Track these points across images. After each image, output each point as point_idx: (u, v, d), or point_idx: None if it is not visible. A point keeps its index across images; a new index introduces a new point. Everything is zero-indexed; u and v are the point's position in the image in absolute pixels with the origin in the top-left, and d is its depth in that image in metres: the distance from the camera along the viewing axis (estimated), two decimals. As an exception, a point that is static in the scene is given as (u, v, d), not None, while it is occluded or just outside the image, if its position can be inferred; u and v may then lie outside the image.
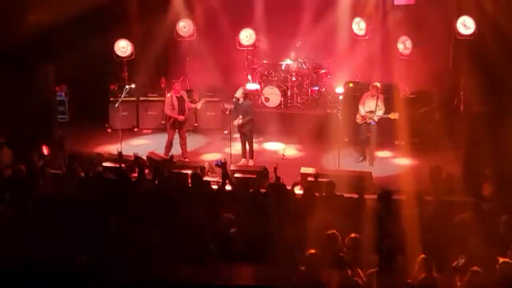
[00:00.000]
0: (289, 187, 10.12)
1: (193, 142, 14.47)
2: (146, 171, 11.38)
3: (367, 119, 13.14)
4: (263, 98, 15.57)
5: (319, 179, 10.63)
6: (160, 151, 13.23)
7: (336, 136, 13.27)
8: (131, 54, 15.76)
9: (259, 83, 16.04)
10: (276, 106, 15.58)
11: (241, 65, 16.35)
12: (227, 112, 13.43)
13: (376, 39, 15.04)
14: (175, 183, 10.63)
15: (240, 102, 13.12)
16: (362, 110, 13.19)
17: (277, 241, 7.88)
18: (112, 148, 14.15)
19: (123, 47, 15.71)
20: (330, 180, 10.12)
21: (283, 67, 16.03)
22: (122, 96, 14.42)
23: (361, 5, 15.39)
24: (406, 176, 12.30)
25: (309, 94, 16.04)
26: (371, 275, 7.09)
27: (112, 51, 15.61)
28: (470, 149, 11.66)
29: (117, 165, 11.72)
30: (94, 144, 14.56)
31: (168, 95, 13.78)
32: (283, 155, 13.88)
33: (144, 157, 12.54)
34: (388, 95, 13.52)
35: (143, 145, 14.45)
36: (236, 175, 11.63)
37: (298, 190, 10.55)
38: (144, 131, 15.75)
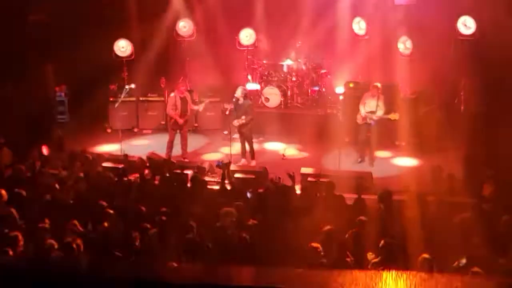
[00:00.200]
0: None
1: (193, 142, 14.45)
2: (146, 171, 11.38)
3: (367, 120, 13.12)
4: (263, 98, 15.54)
5: (319, 179, 10.62)
6: (160, 151, 13.21)
7: (336, 136, 13.26)
8: (131, 54, 15.74)
9: (259, 83, 16.02)
10: (276, 106, 15.54)
11: (241, 65, 16.32)
12: (227, 112, 13.40)
13: (376, 39, 15.02)
14: (175, 183, 10.63)
15: (240, 102, 13.09)
16: (363, 110, 13.17)
17: (277, 241, 7.89)
18: (112, 148, 14.18)
19: (122, 47, 15.69)
20: (330, 180, 10.12)
21: (284, 68, 15.98)
22: (122, 96, 14.40)
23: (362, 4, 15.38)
24: (407, 176, 12.30)
25: (309, 94, 16.00)
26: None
27: (112, 51, 15.60)
28: (471, 149, 11.66)
29: (117, 165, 11.72)
30: (94, 144, 14.54)
31: (172, 94, 13.67)
32: (283, 155, 13.86)
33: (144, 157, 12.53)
34: (388, 95, 13.49)
35: (143, 145, 14.43)
36: (237, 175, 11.61)
37: (297, 190, 10.54)
38: (144, 131, 15.72)
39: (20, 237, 7.54)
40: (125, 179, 10.71)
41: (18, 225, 8.31)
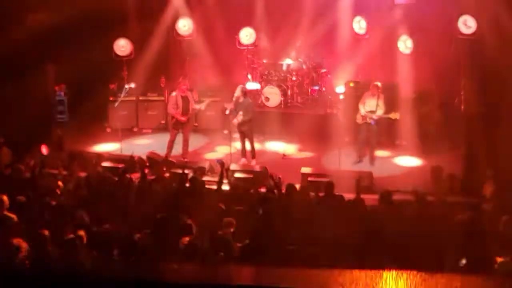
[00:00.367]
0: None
1: (193, 142, 14.44)
2: (146, 171, 11.37)
3: (367, 119, 13.11)
4: (263, 97, 15.52)
5: (319, 179, 10.62)
6: (160, 151, 13.19)
7: (336, 135, 13.25)
8: (131, 53, 15.74)
9: (259, 83, 16.00)
10: (276, 106, 15.52)
11: (241, 64, 16.31)
12: (227, 112, 13.38)
13: (376, 38, 15.01)
14: (174, 184, 10.61)
15: (240, 100, 13.07)
16: (363, 110, 13.16)
17: (278, 241, 7.88)
18: (112, 148, 14.17)
19: (122, 46, 15.68)
20: (329, 180, 10.10)
21: (284, 67, 15.96)
22: (122, 95, 14.39)
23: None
24: (407, 176, 12.29)
25: (310, 93, 15.99)
26: None
27: (112, 50, 15.58)
28: (471, 149, 11.65)
29: (117, 165, 11.71)
30: (93, 144, 14.53)
31: (173, 93, 13.60)
32: (284, 155, 13.85)
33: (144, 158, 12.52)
34: (388, 95, 13.48)
35: (144, 145, 14.42)
36: (236, 175, 11.59)
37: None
38: (144, 130, 15.71)
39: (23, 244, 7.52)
40: (126, 176, 10.68)
41: (19, 230, 8.27)
